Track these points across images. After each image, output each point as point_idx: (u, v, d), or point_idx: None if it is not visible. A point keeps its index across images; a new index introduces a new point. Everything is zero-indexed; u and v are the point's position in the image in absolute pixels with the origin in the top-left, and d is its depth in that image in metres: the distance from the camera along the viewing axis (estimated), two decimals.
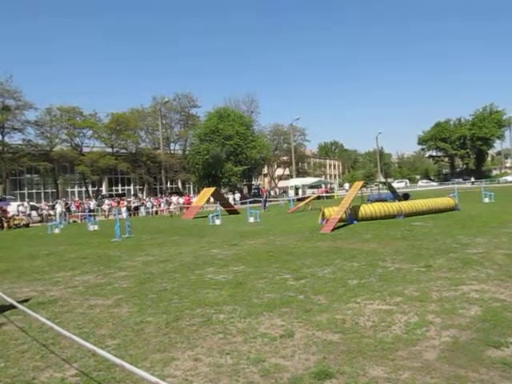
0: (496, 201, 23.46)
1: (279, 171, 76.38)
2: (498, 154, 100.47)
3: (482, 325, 4.59)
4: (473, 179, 64.97)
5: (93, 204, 36.30)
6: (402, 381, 3.46)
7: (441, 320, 4.83)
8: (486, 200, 24.09)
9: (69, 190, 52.83)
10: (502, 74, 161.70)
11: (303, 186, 50.66)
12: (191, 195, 47.26)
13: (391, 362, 3.80)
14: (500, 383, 3.33)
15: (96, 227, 22.39)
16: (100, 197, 46.88)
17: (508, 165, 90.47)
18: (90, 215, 28.76)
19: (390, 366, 3.72)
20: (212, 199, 32.95)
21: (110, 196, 46.00)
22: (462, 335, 4.34)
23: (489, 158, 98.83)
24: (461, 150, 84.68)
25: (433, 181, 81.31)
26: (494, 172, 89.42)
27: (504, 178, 67.99)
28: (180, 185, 60.88)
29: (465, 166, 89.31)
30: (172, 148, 60.07)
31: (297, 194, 47.34)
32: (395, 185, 41.99)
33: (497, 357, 3.79)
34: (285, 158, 71.48)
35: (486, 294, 5.73)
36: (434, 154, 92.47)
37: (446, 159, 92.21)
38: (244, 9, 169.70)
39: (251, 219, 21.13)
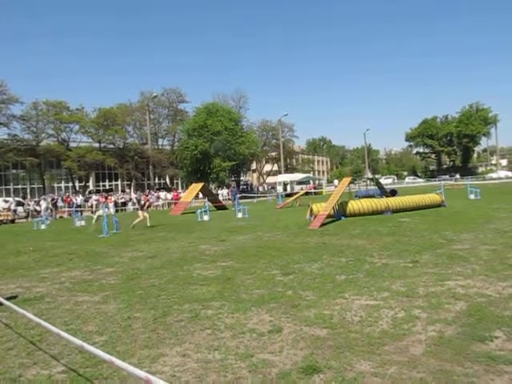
0: (481, 197, 23.73)
1: (268, 167, 76.40)
2: (484, 151, 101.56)
3: (467, 319, 4.65)
4: (458, 175, 65.57)
5: (80, 199, 35.95)
6: (389, 375, 3.49)
7: (427, 315, 4.88)
8: (472, 196, 24.36)
9: (55, 185, 52.24)
10: (488, 71, 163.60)
11: (291, 181, 50.72)
12: (179, 191, 47.06)
13: (378, 357, 3.84)
14: (484, 377, 3.38)
15: (83, 223, 22.22)
16: (87, 192, 46.45)
17: (494, 162, 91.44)
18: (76, 211, 28.49)
19: (377, 361, 3.76)
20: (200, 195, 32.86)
21: (97, 191, 45.62)
22: (447, 330, 4.39)
23: (475, 155, 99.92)
24: (447, 147, 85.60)
25: (420, 177, 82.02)
26: (480, 169, 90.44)
27: (489, 174, 68.82)
28: (168, 180, 60.57)
29: (451, 162, 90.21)
30: (160, 143, 59.72)
31: (285, 189, 47.40)
32: (383, 181, 42.25)
33: (482, 351, 3.84)
34: (273, 153, 71.50)
35: (472, 290, 5.80)
36: (421, 150, 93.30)
37: (433, 156, 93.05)
38: (231, 4, 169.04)
39: (239, 215, 21.13)
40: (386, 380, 3.42)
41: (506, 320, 4.55)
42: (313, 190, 41.73)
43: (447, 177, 68.07)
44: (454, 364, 3.62)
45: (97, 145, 50.97)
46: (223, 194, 41.35)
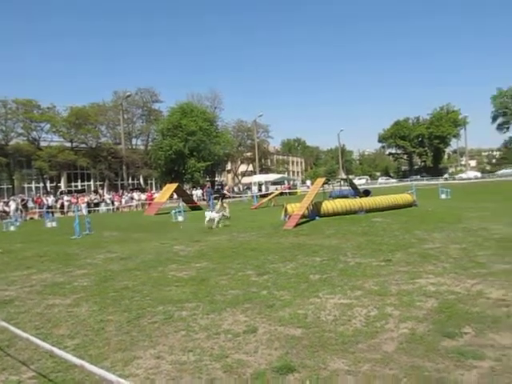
0: (452, 197, 24.31)
1: (243, 167, 76.33)
2: (454, 152, 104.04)
3: (438, 317, 4.76)
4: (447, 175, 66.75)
5: (51, 200, 35.17)
6: (362, 373, 3.54)
7: (399, 313, 4.97)
8: (443, 196, 24.93)
9: (25, 185, 50.93)
10: (459, 74, 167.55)
11: (266, 182, 50.85)
12: (153, 191, 46.56)
13: (351, 355, 3.89)
14: (455, 372, 3.47)
15: (54, 224, 21.74)
16: (59, 193, 45.48)
17: (463, 162, 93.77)
18: (47, 212, 27.88)
19: (351, 359, 3.81)
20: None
21: (69, 192, 44.74)
22: (419, 327, 4.48)
23: (445, 156, 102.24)
24: (419, 148, 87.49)
25: (392, 178, 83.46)
26: (450, 169, 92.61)
27: (459, 175, 70.55)
28: (142, 181, 59.84)
29: (423, 163, 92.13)
30: (134, 143, 58.90)
31: (260, 190, 47.48)
32: (356, 181, 42.70)
33: (452, 347, 3.93)
34: (248, 154, 71.47)
35: (442, 287, 5.94)
36: (394, 151, 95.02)
37: (405, 157, 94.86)
38: (205, 7, 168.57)
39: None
40: (360, 377, 3.47)
41: (474, 316, 4.68)
42: (287, 191, 41.93)
43: (418, 177, 69.46)
44: (425, 360, 3.69)
45: (69, 144, 49.83)
46: (197, 194, 41.16)
